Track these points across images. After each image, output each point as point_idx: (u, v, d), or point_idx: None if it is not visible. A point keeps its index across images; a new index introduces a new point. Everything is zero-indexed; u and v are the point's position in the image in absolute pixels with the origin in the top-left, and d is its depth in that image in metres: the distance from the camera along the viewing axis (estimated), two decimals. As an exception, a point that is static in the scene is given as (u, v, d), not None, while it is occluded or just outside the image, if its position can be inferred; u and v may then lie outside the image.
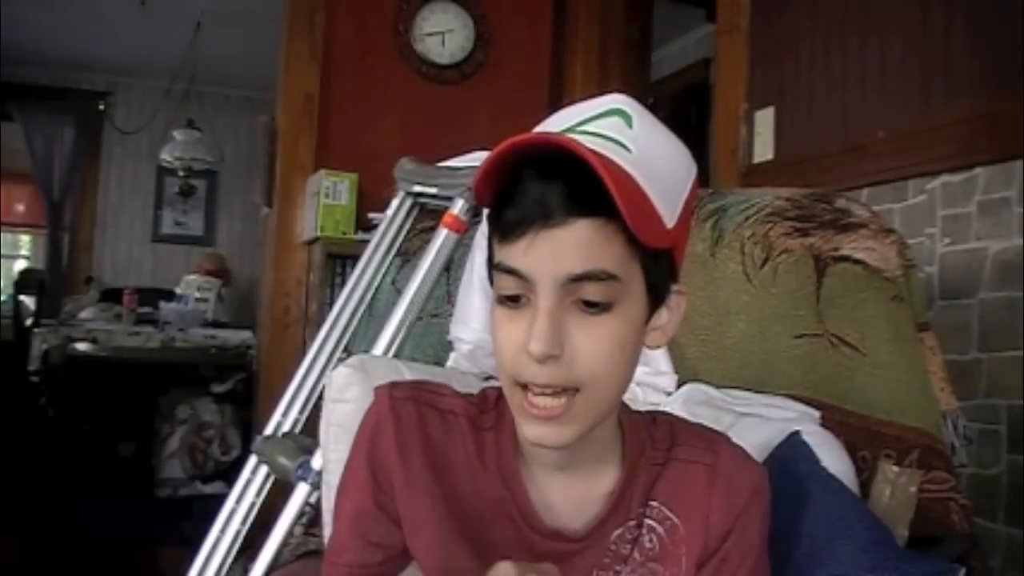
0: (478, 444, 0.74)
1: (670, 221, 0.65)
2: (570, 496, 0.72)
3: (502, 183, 0.63)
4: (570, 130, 0.66)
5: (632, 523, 0.72)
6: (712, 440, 0.75)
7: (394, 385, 0.77)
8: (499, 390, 0.76)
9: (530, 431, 0.65)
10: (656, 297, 0.67)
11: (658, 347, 0.71)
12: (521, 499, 0.72)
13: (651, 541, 0.72)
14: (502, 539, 0.72)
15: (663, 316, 0.69)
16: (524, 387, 0.64)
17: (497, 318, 0.66)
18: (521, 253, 0.62)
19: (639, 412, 0.77)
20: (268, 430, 1.26)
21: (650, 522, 0.72)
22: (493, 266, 0.66)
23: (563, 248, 0.61)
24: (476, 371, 1.12)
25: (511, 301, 0.64)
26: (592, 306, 0.62)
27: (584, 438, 0.66)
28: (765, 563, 0.74)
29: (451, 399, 0.76)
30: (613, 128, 0.65)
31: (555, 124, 0.68)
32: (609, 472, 0.72)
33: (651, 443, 0.74)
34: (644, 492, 0.73)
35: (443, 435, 0.74)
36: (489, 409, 0.76)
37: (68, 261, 5.75)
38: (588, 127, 0.66)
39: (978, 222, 1.52)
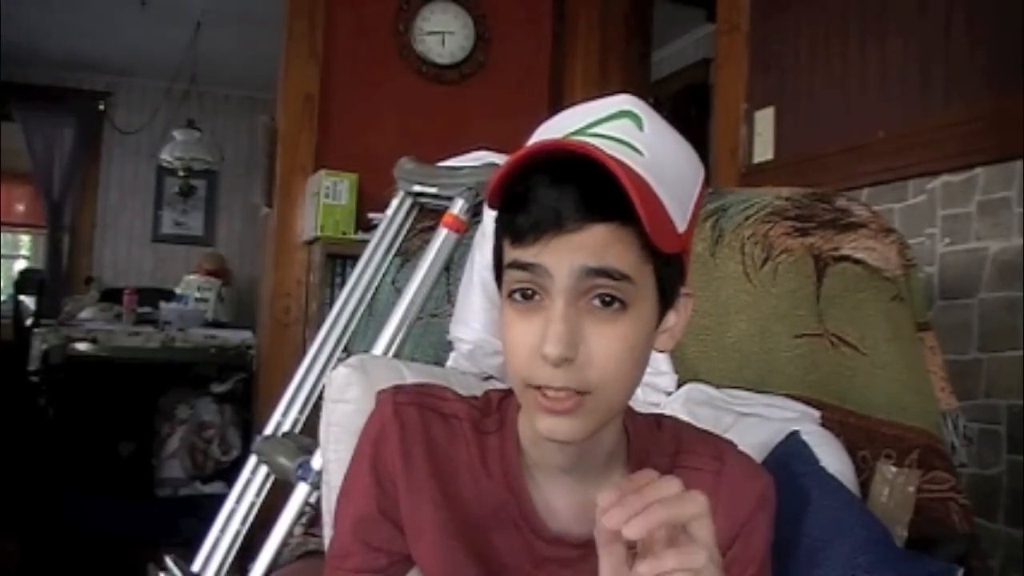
0: (481, 448, 0.74)
1: (682, 225, 0.64)
2: (573, 501, 0.72)
3: (512, 187, 0.62)
4: (580, 132, 0.65)
5: None
6: (719, 448, 0.75)
7: (397, 390, 0.76)
8: (502, 392, 0.76)
9: (542, 424, 0.64)
10: (666, 300, 0.66)
11: (666, 350, 0.70)
12: (524, 503, 0.72)
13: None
14: (504, 544, 0.72)
15: (671, 319, 0.68)
16: (537, 387, 0.63)
17: (507, 316, 0.65)
18: (534, 255, 0.62)
19: (643, 415, 0.76)
20: (268, 430, 1.27)
21: None
22: (505, 265, 0.65)
23: (578, 247, 0.60)
24: (476, 371, 1.12)
25: (523, 297, 0.63)
26: (608, 304, 0.61)
27: (592, 437, 0.66)
28: (768, 572, 0.73)
29: (454, 403, 0.76)
30: (624, 131, 0.64)
31: (562, 125, 0.66)
32: (614, 477, 0.72)
33: (656, 448, 0.74)
34: None
35: (446, 440, 0.74)
36: (492, 412, 0.75)
37: (68, 261, 5.74)
38: (599, 129, 0.64)
39: (978, 222, 1.52)
